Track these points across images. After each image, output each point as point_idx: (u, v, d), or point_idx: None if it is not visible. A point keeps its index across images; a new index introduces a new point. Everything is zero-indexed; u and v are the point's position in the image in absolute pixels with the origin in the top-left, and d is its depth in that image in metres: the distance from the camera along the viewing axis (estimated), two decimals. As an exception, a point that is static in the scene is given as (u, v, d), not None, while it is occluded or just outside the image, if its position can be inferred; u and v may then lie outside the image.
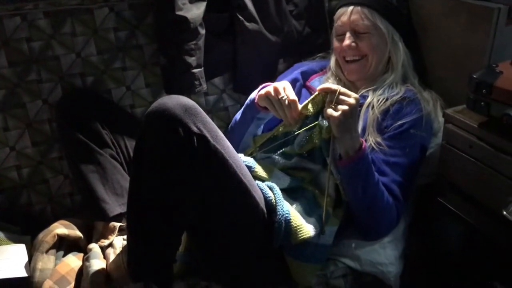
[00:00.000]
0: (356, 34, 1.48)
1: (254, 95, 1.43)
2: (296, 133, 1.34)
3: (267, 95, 1.32)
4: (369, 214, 1.31)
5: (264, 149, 1.40)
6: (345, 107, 1.20)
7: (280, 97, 1.29)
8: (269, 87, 1.33)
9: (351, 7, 1.47)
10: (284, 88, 1.31)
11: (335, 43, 1.54)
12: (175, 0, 1.47)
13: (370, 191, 1.28)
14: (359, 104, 1.25)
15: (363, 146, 1.26)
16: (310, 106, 1.30)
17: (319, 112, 1.30)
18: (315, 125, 1.31)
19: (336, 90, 1.22)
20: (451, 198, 1.31)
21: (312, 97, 1.30)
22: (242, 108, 1.51)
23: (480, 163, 1.19)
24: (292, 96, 1.30)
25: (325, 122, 1.28)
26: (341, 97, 1.22)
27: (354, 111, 1.22)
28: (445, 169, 1.32)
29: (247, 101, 1.47)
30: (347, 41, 1.47)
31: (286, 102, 1.29)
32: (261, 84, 1.47)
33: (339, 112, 1.20)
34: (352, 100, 1.21)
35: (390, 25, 1.48)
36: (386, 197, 1.30)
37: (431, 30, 1.55)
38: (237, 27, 1.65)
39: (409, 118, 1.38)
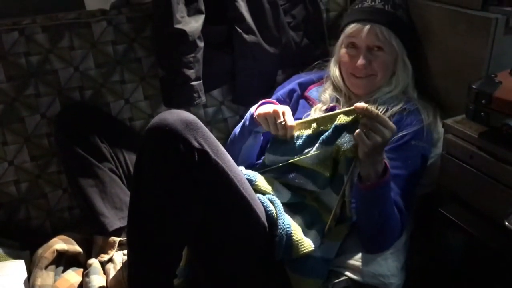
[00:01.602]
0: (370, 51, 1.46)
1: (253, 109, 1.43)
2: (312, 152, 1.30)
3: (265, 116, 1.34)
4: (379, 232, 1.30)
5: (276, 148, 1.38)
6: (379, 139, 1.15)
7: (278, 121, 1.32)
8: (269, 108, 1.34)
9: (368, 25, 1.45)
10: (283, 112, 1.32)
11: (344, 57, 1.51)
12: (173, 13, 1.47)
13: (386, 213, 1.26)
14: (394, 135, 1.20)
15: (387, 171, 1.22)
16: (342, 116, 1.25)
17: (342, 129, 1.25)
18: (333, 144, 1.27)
19: (375, 116, 1.16)
20: (452, 208, 1.30)
21: (346, 110, 1.25)
22: (242, 122, 1.51)
23: (481, 173, 1.19)
24: (290, 122, 1.32)
25: (350, 141, 1.22)
26: (378, 125, 1.16)
27: (386, 143, 1.18)
28: (446, 179, 1.31)
29: (247, 114, 1.47)
30: (362, 61, 1.45)
31: (288, 123, 1.31)
32: (259, 96, 1.48)
33: (371, 142, 1.15)
34: (387, 133, 1.16)
35: (400, 42, 1.48)
36: (396, 214, 1.29)
37: (429, 40, 1.55)
38: (235, 39, 1.65)
39: (410, 129, 1.37)
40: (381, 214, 1.26)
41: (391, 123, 1.18)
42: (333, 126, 1.26)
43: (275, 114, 1.33)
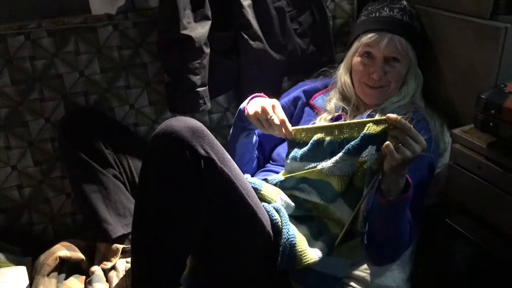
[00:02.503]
0: (386, 62, 1.45)
1: (243, 105, 1.39)
2: (333, 161, 1.23)
3: (256, 116, 1.30)
4: (391, 245, 1.29)
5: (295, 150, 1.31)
6: (408, 153, 1.11)
7: (268, 117, 1.28)
8: (257, 106, 1.31)
9: (388, 35, 1.43)
10: (273, 106, 1.29)
11: (358, 66, 1.48)
12: (180, 19, 1.47)
13: (401, 227, 1.24)
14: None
15: (409, 186, 1.19)
16: (372, 126, 1.17)
17: (371, 139, 1.17)
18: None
19: (407, 130, 1.11)
20: (459, 219, 1.29)
21: (376, 119, 1.18)
22: (234, 120, 1.49)
23: (489, 184, 1.17)
24: (282, 115, 1.28)
25: (375, 153, 1.17)
26: (409, 139, 1.12)
27: (415, 159, 1.14)
28: (453, 189, 1.30)
29: (237, 111, 1.43)
30: (379, 72, 1.43)
31: (276, 121, 1.27)
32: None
33: (401, 156, 1.10)
34: (418, 149, 1.12)
35: (415, 53, 1.47)
36: (408, 229, 1.27)
37: (438, 49, 1.55)
38: (241, 46, 1.65)
39: None
40: (397, 228, 1.24)
41: (422, 139, 1.13)
42: (361, 135, 1.18)
43: (264, 111, 1.29)
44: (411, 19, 1.48)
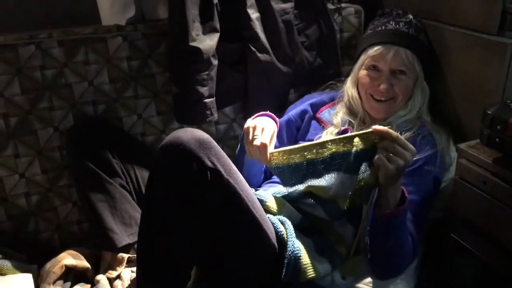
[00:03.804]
0: (392, 75, 1.45)
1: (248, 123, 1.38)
2: (334, 181, 1.22)
3: (246, 130, 1.30)
4: (393, 259, 1.27)
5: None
6: (401, 162, 1.11)
7: (253, 134, 1.27)
8: (251, 123, 1.30)
9: (394, 48, 1.43)
10: (262, 129, 1.28)
11: (364, 79, 1.49)
12: (188, 31, 1.48)
13: (401, 240, 1.24)
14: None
15: (405, 198, 1.19)
16: (359, 141, 1.16)
17: (364, 155, 1.16)
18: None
19: (396, 139, 1.11)
20: (464, 234, 1.29)
21: (361, 132, 1.17)
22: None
23: (494, 199, 1.17)
24: (265, 139, 1.26)
25: (368, 168, 1.16)
26: (399, 148, 1.11)
27: (408, 166, 1.14)
28: (458, 204, 1.30)
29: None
30: (385, 85, 1.43)
31: (256, 142, 1.25)
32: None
33: (395, 166, 1.10)
34: (408, 156, 1.12)
35: (421, 66, 1.47)
36: (410, 241, 1.27)
37: (445, 63, 1.55)
38: (249, 58, 1.66)
39: (423, 154, 1.35)
40: (397, 241, 1.23)
41: (410, 145, 1.14)
42: (353, 153, 1.17)
43: (253, 128, 1.28)
44: (417, 32, 1.49)
